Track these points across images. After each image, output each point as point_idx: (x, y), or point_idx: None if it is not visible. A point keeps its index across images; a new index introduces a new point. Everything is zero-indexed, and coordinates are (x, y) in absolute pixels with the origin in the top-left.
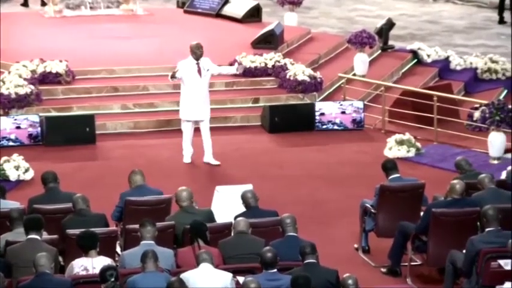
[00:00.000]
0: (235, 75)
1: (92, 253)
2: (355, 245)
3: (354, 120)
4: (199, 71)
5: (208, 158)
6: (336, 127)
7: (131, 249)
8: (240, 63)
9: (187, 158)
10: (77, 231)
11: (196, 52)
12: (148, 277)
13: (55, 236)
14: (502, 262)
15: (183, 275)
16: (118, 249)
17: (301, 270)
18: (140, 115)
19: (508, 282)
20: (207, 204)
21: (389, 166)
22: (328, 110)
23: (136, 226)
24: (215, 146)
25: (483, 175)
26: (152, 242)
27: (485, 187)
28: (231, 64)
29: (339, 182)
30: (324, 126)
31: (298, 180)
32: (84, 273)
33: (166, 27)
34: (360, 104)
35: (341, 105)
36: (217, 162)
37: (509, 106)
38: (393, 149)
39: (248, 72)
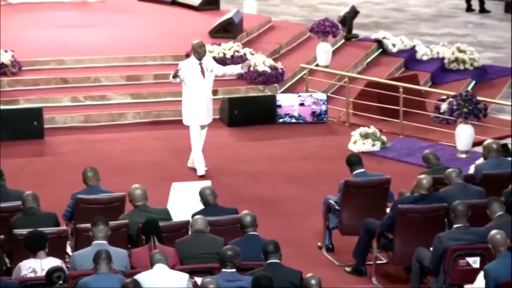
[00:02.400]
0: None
1: (41, 254)
2: (319, 243)
3: (313, 113)
4: (202, 72)
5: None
6: (293, 120)
7: (83, 250)
8: (244, 60)
9: (201, 170)
10: (24, 231)
11: (199, 51)
12: (101, 279)
13: (1, 236)
14: (470, 260)
15: (136, 277)
16: (69, 249)
17: (263, 270)
18: (91, 108)
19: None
20: (163, 202)
21: (354, 161)
22: (285, 102)
23: (88, 225)
24: (173, 141)
25: (450, 170)
26: (105, 241)
27: (452, 182)
28: (187, 55)
29: (301, 178)
30: (281, 120)
31: (259, 176)
32: (32, 275)
33: (119, 15)
34: (321, 96)
35: (299, 96)
36: (205, 168)
37: (478, 98)
38: (358, 142)
39: None
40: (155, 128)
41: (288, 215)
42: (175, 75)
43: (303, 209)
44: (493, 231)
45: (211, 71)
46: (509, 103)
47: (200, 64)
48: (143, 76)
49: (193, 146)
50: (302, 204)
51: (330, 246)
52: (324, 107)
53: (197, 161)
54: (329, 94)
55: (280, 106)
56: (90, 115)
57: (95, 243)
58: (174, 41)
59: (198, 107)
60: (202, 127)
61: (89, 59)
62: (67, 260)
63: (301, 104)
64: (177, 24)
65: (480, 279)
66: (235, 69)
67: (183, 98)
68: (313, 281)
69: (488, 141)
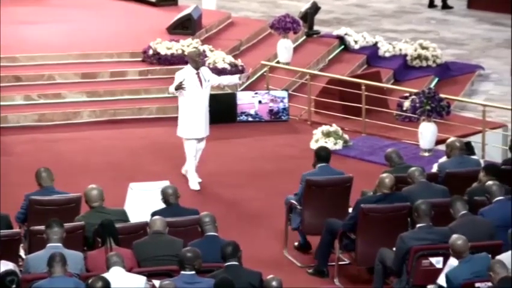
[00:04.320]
0: (150, 64)
1: None
2: (295, 243)
3: (271, 111)
4: (200, 82)
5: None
6: (250, 119)
7: (36, 253)
8: (242, 71)
9: (194, 184)
10: None
11: (197, 60)
12: (56, 282)
13: None
14: (433, 260)
15: (102, 276)
16: (22, 252)
17: (222, 272)
18: (45, 107)
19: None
20: (120, 203)
21: (322, 155)
22: (245, 101)
23: (42, 227)
24: (130, 140)
25: (413, 168)
26: (59, 244)
27: (415, 181)
28: (145, 52)
29: (262, 178)
30: (238, 119)
31: (219, 176)
32: None
33: (74, 11)
34: (280, 94)
35: (256, 94)
36: (199, 180)
37: (441, 95)
38: (320, 141)
39: (164, 60)
40: (111, 127)
41: (249, 215)
42: (179, 88)
43: (264, 209)
44: (454, 237)
45: (208, 80)
46: (473, 100)
47: (197, 74)
48: (99, 74)
49: (188, 159)
50: (263, 204)
51: (305, 244)
52: (282, 105)
53: (191, 174)
54: (290, 92)
55: (240, 104)
56: (44, 114)
57: (49, 246)
58: (131, 37)
59: (195, 119)
60: (200, 140)
61: (43, 56)
62: (20, 263)
63: (259, 102)
64: (134, 20)
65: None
66: (232, 79)
67: (180, 110)
68: (274, 283)
69: (451, 139)
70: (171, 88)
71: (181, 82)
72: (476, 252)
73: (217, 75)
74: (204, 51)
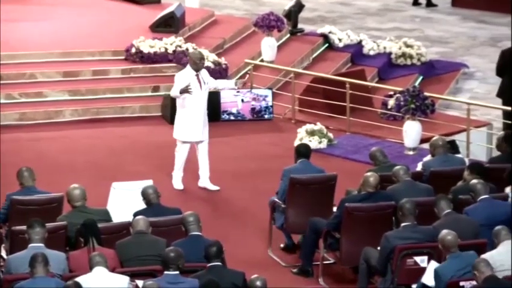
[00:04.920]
0: (133, 62)
1: None
2: (281, 245)
3: (253, 110)
4: (199, 83)
5: (205, 182)
6: (232, 118)
7: (18, 253)
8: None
9: (178, 184)
10: None
11: (198, 63)
12: (38, 283)
13: None
14: (418, 259)
15: (75, 280)
16: (3, 253)
17: (206, 273)
18: (27, 105)
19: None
20: (103, 202)
21: (302, 151)
22: (229, 99)
23: (24, 227)
24: (112, 139)
25: (398, 167)
26: (41, 244)
27: (400, 180)
28: (128, 50)
29: (246, 177)
30: (221, 117)
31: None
32: None
33: (56, 8)
34: (262, 92)
35: (238, 92)
36: (216, 188)
37: (425, 93)
38: (304, 140)
39: (147, 58)
40: (94, 126)
41: (233, 214)
42: (185, 91)
43: (248, 209)
44: (444, 232)
45: (207, 83)
46: (457, 99)
47: (197, 75)
48: (81, 72)
49: (177, 161)
50: (247, 203)
51: (291, 245)
52: (264, 104)
53: (177, 174)
54: (274, 90)
55: (223, 103)
56: (25, 113)
57: (31, 246)
58: (114, 35)
59: (194, 121)
60: (199, 143)
61: (24, 54)
62: (1, 263)
63: (241, 101)
64: (117, 18)
65: (429, 275)
66: (229, 84)
67: (178, 112)
68: (258, 283)
69: (435, 138)
70: (174, 91)
71: (187, 86)
72: (461, 251)
73: (213, 78)
74: (187, 49)
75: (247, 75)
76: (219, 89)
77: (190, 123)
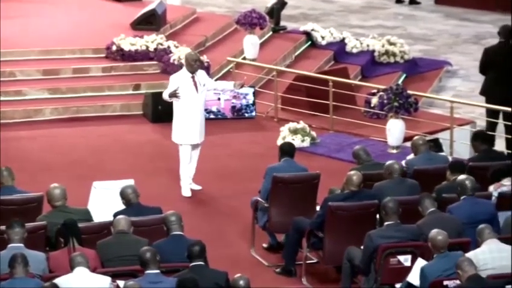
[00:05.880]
0: (114, 60)
1: None
2: (264, 245)
3: (233, 108)
4: (195, 86)
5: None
6: (212, 116)
7: None
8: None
9: (186, 191)
10: None
11: (193, 65)
12: (17, 283)
13: None
14: (401, 258)
15: (56, 280)
16: None
17: (188, 272)
18: (6, 104)
19: None
20: (83, 202)
21: (286, 150)
22: (210, 97)
23: (3, 228)
24: (93, 138)
25: (392, 162)
26: (21, 244)
27: (394, 175)
28: (108, 48)
29: (229, 175)
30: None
31: None
32: None
33: (36, 6)
34: (243, 90)
35: (215, 90)
36: (199, 187)
37: (408, 91)
38: (287, 138)
39: (128, 56)
40: (74, 124)
41: (215, 213)
42: (174, 95)
43: (230, 208)
44: (434, 231)
45: (204, 85)
46: (440, 97)
47: (193, 77)
48: (61, 70)
49: (181, 166)
50: (230, 203)
51: (275, 244)
52: (245, 102)
53: (184, 181)
54: (257, 88)
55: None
56: (4, 111)
57: (10, 246)
58: (94, 33)
59: (190, 124)
60: (195, 146)
61: (3, 53)
62: None
63: (219, 99)
64: (97, 15)
65: (415, 274)
66: (227, 85)
67: (174, 114)
68: (241, 282)
69: (415, 138)
70: (165, 94)
71: (175, 90)
72: (448, 251)
73: (212, 80)
74: (168, 46)
75: (245, 77)
76: (218, 90)
77: (188, 125)
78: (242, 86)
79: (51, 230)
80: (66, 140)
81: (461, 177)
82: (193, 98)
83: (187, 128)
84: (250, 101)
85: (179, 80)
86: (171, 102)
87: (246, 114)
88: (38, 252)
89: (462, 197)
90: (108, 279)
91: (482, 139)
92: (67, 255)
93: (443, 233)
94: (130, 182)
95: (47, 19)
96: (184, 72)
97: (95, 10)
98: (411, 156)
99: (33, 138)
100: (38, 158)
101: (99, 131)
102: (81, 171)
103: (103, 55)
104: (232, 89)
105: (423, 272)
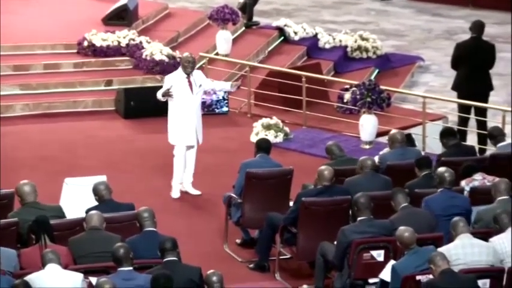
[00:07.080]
0: (85, 55)
1: None
2: (237, 240)
3: (203, 104)
4: (190, 86)
5: (187, 186)
6: None
7: None
8: (235, 80)
9: (176, 192)
10: None
11: (186, 67)
12: None
13: None
14: (374, 253)
15: (28, 277)
16: None
17: (160, 268)
18: None
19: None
20: (55, 198)
21: (261, 146)
22: None
23: None
24: (65, 134)
25: (365, 157)
26: None
27: (366, 170)
28: (80, 43)
29: (202, 171)
30: None
31: (157, 170)
32: None
33: (5, 0)
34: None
35: (212, 90)
36: (198, 192)
37: (381, 87)
38: (260, 134)
39: (99, 52)
40: (45, 120)
41: (188, 209)
42: (166, 94)
43: (204, 203)
44: (401, 229)
45: (200, 85)
46: (413, 92)
47: (188, 78)
48: (32, 66)
49: (175, 167)
50: (203, 198)
51: (249, 240)
52: (215, 97)
53: (176, 182)
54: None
55: None
56: None
57: None
58: (65, 28)
59: (186, 125)
60: (190, 147)
61: None
62: None
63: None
64: (69, 10)
65: (388, 271)
66: (225, 86)
67: (169, 115)
68: (214, 278)
69: (392, 131)
70: (159, 94)
71: (168, 89)
72: (418, 245)
73: (209, 80)
74: (140, 42)
75: (241, 78)
76: (216, 90)
77: (183, 126)
78: (239, 87)
79: (22, 226)
80: (38, 136)
81: (441, 169)
82: (188, 98)
83: (181, 129)
84: (220, 97)
85: (174, 80)
86: (154, 99)
87: (217, 110)
88: (9, 249)
89: (439, 189)
90: (80, 275)
91: (449, 135)
92: (38, 252)
93: (410, 230)
94: (103, 178)
95: (17, 14)
96: (179, 72)
97: (66, 5)
98: (385, 150)
99: (4, 134)
100: (9, 154)
101: (70, 127)
102: (53, 168)
103: (74, 51)
104: (230, 89)
105: (394, 269)
